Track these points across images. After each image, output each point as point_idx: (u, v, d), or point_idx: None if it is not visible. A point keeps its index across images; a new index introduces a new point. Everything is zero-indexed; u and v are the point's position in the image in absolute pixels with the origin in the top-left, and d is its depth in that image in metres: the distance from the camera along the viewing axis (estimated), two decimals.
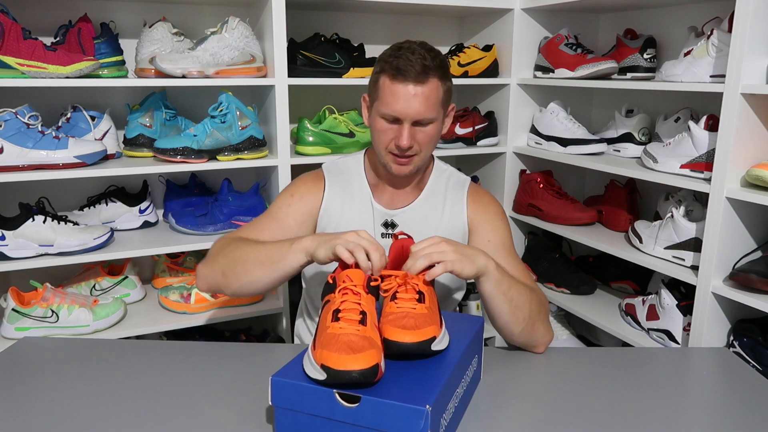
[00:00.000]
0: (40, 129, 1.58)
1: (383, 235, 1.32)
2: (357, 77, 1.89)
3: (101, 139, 1.73)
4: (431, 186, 1.35)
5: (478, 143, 2.10)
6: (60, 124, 1.73)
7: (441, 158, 1.43)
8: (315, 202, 1.32)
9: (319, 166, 1.40)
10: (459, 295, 1.40)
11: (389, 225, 1.32)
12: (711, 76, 1.50)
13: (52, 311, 1.62)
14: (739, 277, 1.40)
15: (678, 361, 1.21)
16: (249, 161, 1.77)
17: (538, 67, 2.05)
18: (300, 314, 1.48)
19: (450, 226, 1.33)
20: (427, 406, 0.76)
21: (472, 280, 1.10)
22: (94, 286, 1.81)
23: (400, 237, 1.11)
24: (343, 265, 1.00)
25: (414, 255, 1.02)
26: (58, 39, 1.68)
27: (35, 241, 1.60)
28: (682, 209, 1.62)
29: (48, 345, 1.21)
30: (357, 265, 0.99)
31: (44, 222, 1.61)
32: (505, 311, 1.10)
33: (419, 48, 1.19)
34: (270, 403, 0.84)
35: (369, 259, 0.99)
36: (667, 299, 1.62)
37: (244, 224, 1.45)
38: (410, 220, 1.32)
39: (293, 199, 1.32)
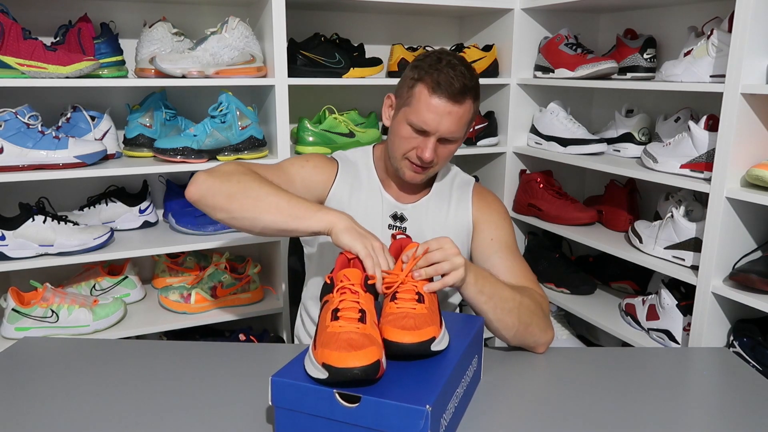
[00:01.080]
0: (40, 129, 1.58)
1: (390, 227, 1.32)
2: (357, 77, 1.89)
3: (101, 139, 1.73)
4: (439, 184, 1.36)
5: (478, 143, 2.10)
6: (60, 124, 1.73)
7: None
8: (326, 182, 1.31)
9: None
10: (459, 296, 1.40)
11: (398, 218, 1.32)
12: (711, 76, 1.50)
13: (52, 311, 1.62)
14: (739, 277, 1.40)
15: (678, 361, 1.21)
16: (249, 161, 1.77)
17: (538, 67, 2.05)
18: (299, 316, 1.48)
19: (456, 223, 1.33)
20: (427, 406, 0.76)
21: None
22: (94, 286, 1.81)
23: (398, 237, 1.11)
24: (342, 261, 1.00)
25: (429, 257, 1.01)
26: (58, 39, 1.68)
27: (35, 241, 1.60)
28: (682, 209, 1.62)
29: (48, 345, 1.20)
30: (357, 264, 0.99)
31: (44, 222, 1.61)
32: (491, 319, 1.11)
33: (459, 64, 1.18)
34: (270, 403, 0.84)
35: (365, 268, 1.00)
36: (667, 299, 1.62)
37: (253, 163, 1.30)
38: (418, 216, 1.32)
39: (308, 164, 1.32)
